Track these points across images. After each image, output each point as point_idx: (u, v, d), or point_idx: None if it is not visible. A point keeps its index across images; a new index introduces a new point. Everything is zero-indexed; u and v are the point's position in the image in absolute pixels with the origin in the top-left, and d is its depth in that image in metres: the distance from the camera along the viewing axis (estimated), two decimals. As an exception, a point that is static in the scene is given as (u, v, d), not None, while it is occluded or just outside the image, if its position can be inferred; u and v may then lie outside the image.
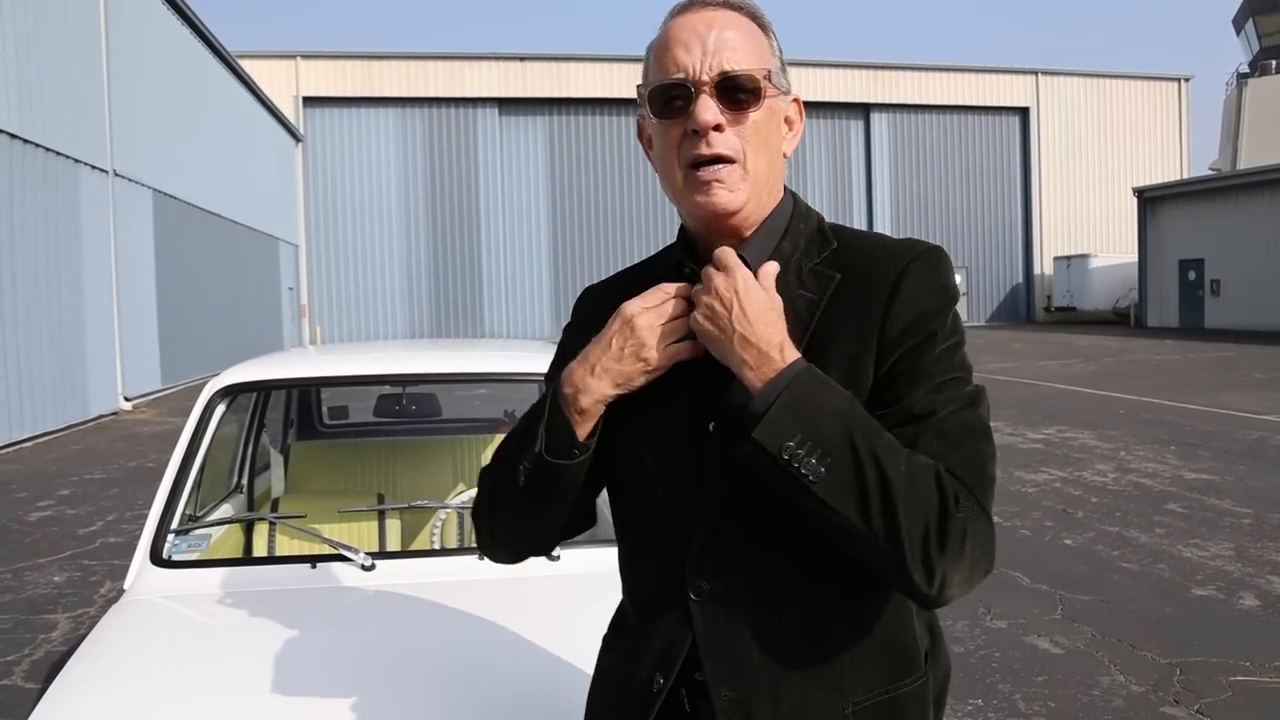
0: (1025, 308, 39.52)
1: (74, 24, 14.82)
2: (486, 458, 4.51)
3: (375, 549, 3.42)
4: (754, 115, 1.24)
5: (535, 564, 2.75)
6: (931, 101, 37.83)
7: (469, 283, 35.01)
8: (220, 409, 3.09)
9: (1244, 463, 8.97)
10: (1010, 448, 10.08)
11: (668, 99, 1.25)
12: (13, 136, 12.68)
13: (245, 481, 3.97)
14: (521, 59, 34.38)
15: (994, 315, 39.25)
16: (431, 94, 33.84)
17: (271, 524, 3.48)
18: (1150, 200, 33.08)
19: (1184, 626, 4.85)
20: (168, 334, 18.28)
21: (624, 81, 35.24)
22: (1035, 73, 38.92)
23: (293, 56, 32.71)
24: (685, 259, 1.33)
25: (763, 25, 1.30)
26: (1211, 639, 4.66)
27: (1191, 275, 31.34)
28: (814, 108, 37.21)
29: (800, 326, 1.23)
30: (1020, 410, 12.80)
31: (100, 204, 15.53)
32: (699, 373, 1.26)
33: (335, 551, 2.76)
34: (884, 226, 37.87)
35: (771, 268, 1.24)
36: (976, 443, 1.20)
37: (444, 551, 2.87)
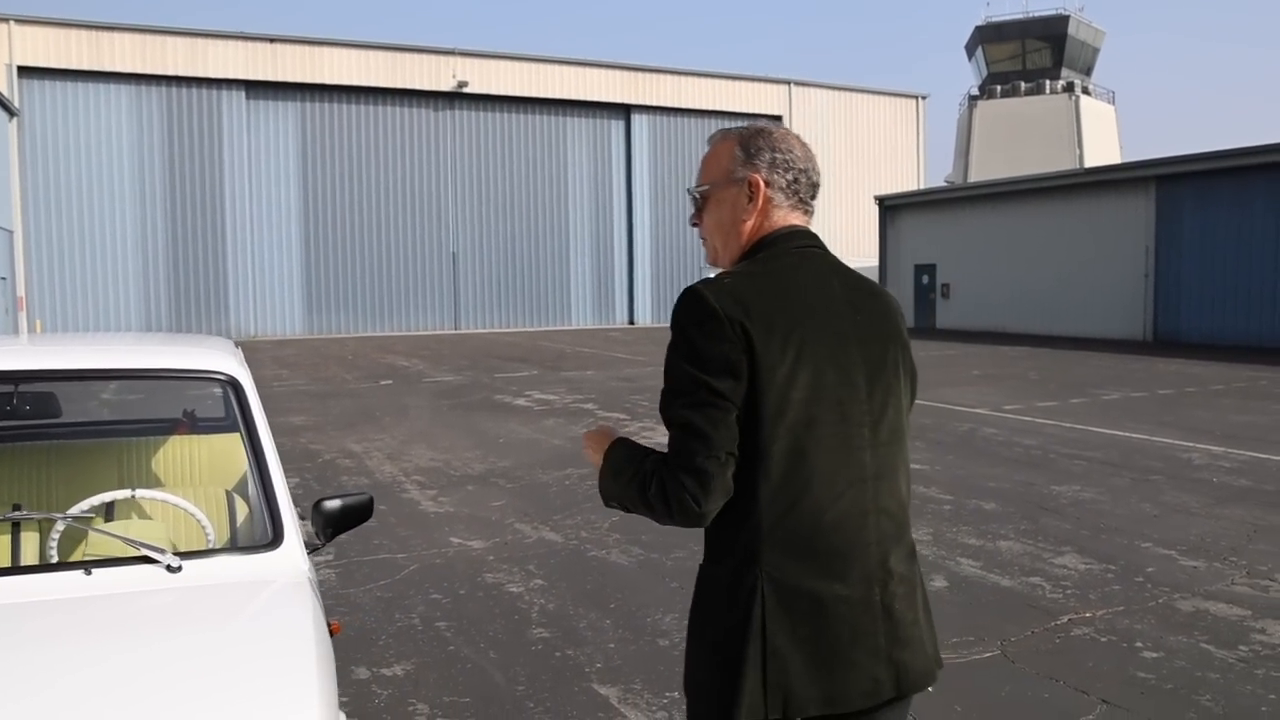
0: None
1: None
2: (160, 461, 4.11)
3: (7, 564, 3.01)
4: (705, 217, 2.05)
5: (153, 576, 2.46)
6: (691, 105, 38.91)
7: (213, 276, 32.88)
8: None
9: (953, 453, 9.62)
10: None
11: None
12: None
13: None
14: (271, 40, 32.58)
15: (748, 314, 40.82)
16: (170, 72, 31.50)
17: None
18: (890, 208, 35.36)
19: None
20: None
21: (382, 71, 34.15)
22: (788, 83, 40.82)
23: (4, 20, 29.59)
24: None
25: (737, 140, 2.01)
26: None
27: (925, 279, 33.73)
28: (577, 106, 37.45)
29: None
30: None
31: None
32: None
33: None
34: (643, 225, 38.65)
35: (595, 434, 2.04)
36: (672, 435, 1.79)
37: (47, 567, 2.52)
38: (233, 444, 4.18)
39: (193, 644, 2.13)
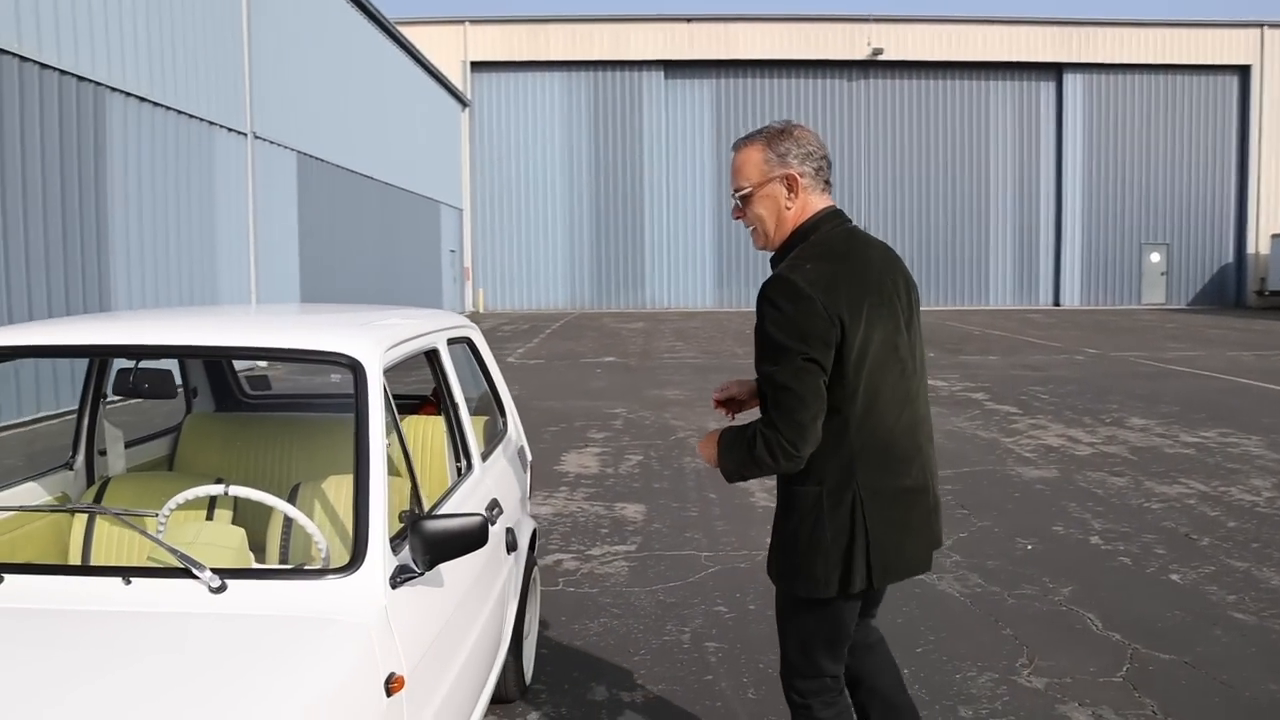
0: (1235, 290, 35.67)
1: (213, -15, 15.02)
2: (392, 442, 3.84)
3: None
4: (749, 213, 2.48)
5: (192, 594, 2.04)
6: (1134, 61, 34.48)
7: (631, 249, 34.65)
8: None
9: None
10: (1154, 451, 8.63)
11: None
12: (141, 100, 12.92)
13: (82, 458, 3.43)
14: (688, 20, 33.50)
15: (1197, 298, 35.66)
16: (597, 57, 33.53)
17: (94, 515, 2.95)
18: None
19: (1286, 710, 3.66)
20: (311, 296, 18.59)
21: (794, 43, 33.84)
22: (1260, 25, 34.74)
23: (461, 22, 33.03)
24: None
25: (764, 143, 2.47)
26: (1319, 734, 3.47)
27: None
28: (1000, 69, 34.69)
29: None
30: (1183, 407, 11.13)
31: (237, 167, 15.80)
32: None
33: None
34: (1074, 198, 35.09)
35: (706, 438, 2.52)
36: (773, 397, 2.29)
37: (88, 570, 2.21)
38: (476, 428, 3.82)
39: (162, 698, 1.67)
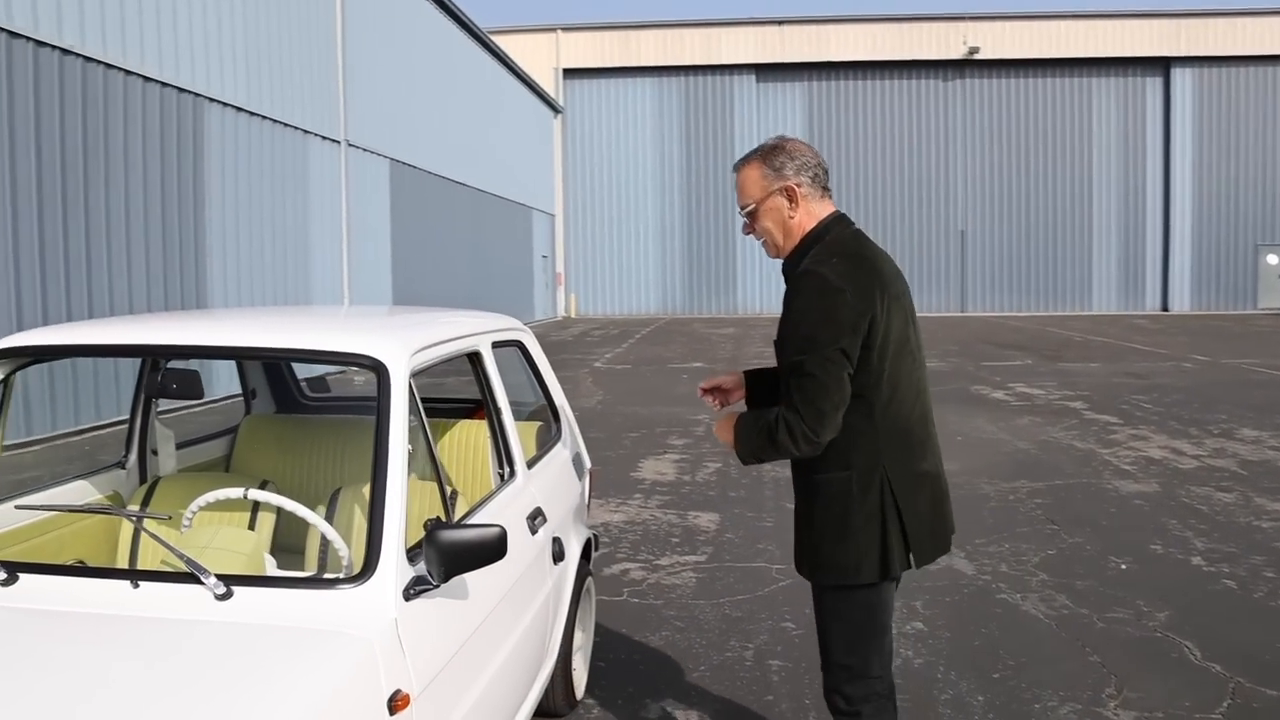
0: (1363, 295, 33.81)
1: (306, 4, 15.35)
2: (443, 446, 3.76)
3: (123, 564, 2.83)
4: (758, 226, 2.62)
5: (198, 600, 1.97)
6: (1250, 52, 32.90)
7: (723, 254, 34.48)
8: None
9: None
10: (1267, 465, 8.12)
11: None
12: (238, 109, 13.27)
13: (134, 457, 3.44)
14: (779, 23, 33.19)
15: (1319, 303, 33.88)
16: (688, 61, 33.48)
17: (140, 519, 2.93)
18: None
19: (1407, 755, 3.32)
20: (403, 301, 18.88)
21: (887, 44, 33.25)
22: (1392, 16, 33.00)
23: (553, 29, 33.32)
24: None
25: (760, 160, 2.58)
26: None
27: None
28: (1103, 65, 33.51)
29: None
30: (1301, 418, 10.49)
31: (331, 174, 16.12)
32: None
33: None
34: (1183, 198, 33.65)
35: (723, 421, 2.62)
36: (798, 384, 2.37)
37: (101, 572, 2.16)
38: (528, 434, 3.72)
39: (143, 712, 1.60)
